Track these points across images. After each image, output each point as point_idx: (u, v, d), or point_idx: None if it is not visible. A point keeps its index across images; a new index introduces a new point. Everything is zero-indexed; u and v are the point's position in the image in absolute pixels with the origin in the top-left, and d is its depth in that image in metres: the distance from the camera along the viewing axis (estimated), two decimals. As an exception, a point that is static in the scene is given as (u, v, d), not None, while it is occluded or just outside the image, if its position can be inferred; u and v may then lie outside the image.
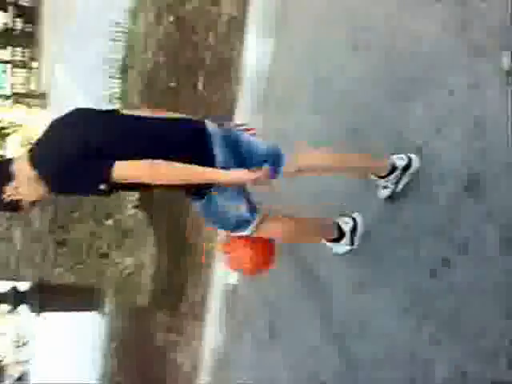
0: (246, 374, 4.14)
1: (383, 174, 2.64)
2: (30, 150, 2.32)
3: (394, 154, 2.61)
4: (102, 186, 2.16)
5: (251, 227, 2.52)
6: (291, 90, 3.78)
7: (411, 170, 2.60)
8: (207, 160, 2.25)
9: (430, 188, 2.49)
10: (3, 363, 10.98)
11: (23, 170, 2.28)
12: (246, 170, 2.23)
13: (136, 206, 5.39)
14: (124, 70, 7.50)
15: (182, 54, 5.35)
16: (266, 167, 2.26)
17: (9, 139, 25.14)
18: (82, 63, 11.43)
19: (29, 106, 22.53)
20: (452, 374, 2.26)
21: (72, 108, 2.43)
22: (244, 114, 4.14)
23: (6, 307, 10.22)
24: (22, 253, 5.33)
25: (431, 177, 2.49)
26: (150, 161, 2.13)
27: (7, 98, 20.85)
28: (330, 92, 3.31)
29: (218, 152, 2.29)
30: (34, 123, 25.87)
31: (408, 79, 2.71)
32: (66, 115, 2.39)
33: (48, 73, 19.95)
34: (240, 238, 2.61)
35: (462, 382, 2.22)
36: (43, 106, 21.06)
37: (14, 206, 2.35)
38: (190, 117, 2.48)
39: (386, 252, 2.72)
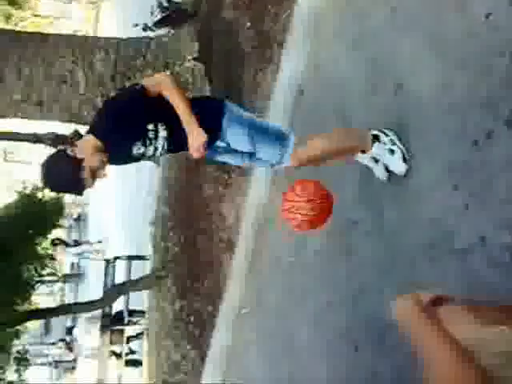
0: (283, 234, 4.35)
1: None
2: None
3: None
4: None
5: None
6: None
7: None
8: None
9: (488, 60, 2.39)
10: (62, 203, 11.73)
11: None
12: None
13: (195, 58, 5.39)
14: None
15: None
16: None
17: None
18: None
19: None
20: (472, 239, 2.35)
21: None
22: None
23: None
24: (85, 96, 5.50)
25: (491, 48, 2.38)
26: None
27: None
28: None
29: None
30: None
31: None
32: None
33: None
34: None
35: (480, 247, 2.31)
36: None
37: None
38: None
39: (434, 122, 2.69)
